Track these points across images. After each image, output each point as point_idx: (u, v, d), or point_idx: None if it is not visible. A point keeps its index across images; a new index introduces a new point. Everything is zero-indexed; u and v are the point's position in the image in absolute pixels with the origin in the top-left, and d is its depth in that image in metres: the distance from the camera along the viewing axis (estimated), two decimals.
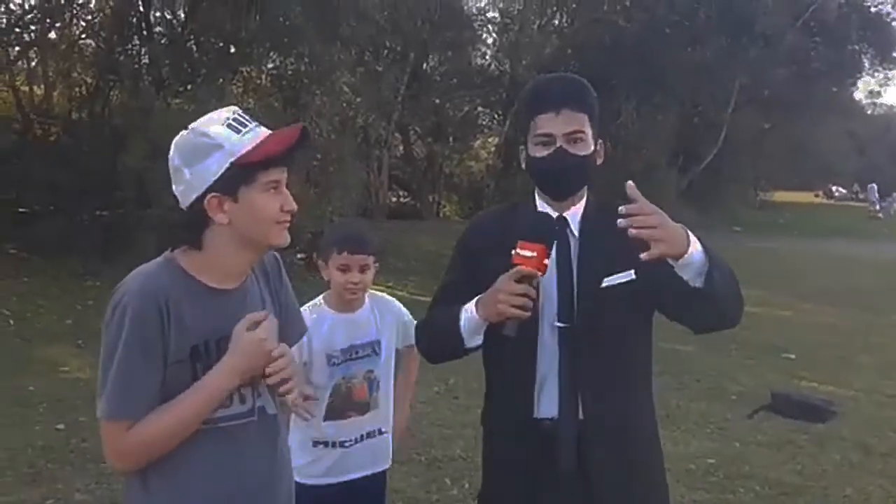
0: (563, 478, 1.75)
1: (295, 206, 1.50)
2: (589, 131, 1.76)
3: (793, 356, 6.96)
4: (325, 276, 2.25)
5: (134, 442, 1.41)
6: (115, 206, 9.25)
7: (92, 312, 6.58)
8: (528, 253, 1.59)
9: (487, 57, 22.09)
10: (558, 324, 1.74)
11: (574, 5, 21.15)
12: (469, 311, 1.70)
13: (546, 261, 1.62)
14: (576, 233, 1.79)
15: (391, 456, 2.39)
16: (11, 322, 6.75)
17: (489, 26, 21.67)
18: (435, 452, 4.23)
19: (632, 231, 1.49)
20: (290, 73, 10.90)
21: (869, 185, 32.20)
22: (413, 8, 13.53)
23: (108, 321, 1.43)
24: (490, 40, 21.99)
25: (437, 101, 20.02)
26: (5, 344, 6.12)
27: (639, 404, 1.84)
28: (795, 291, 10.93)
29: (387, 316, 2.32)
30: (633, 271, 1.73)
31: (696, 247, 1.56)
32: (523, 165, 1.84)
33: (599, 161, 1.81)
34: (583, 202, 1.83)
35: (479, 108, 22.47)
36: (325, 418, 2.21)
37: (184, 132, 1.47)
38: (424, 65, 19.53)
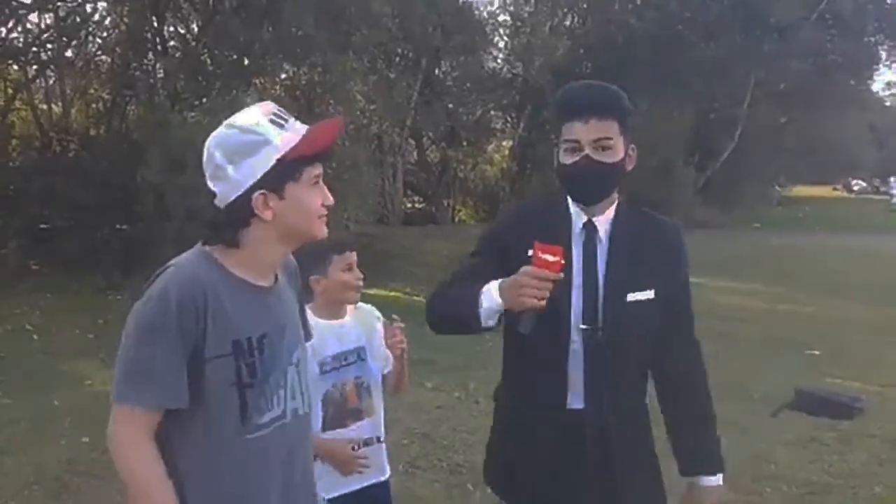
0: (588, 464, 1.84)
1: (332, 200, 1.49)
2: (618, 138, 1.79)
3: (817, 352, 6.88)
4: (319, 287, 2.23)
5: (123, 455, 1.41)
6: (135, 220, 9.36)
7: (114, 326, 6.62)
8: (549, 257, 1.62)
9: (499, 60, 22.10)
10: (582, 326, 1.81)
11: (585, 6, 21.12)
12: (490, 294, 1.68)
13: (563, 261, 1.64)
14: (603, 239, 1.84)
15: (386, 466, 2.37)
16: (35, 337, 6.83)
17: (500, 30, 21.68)
18: (457, 458, 4.22)
19: None
20: (303, 82, 10.98)
21: (891, 179, 31.79)
22: (424, 14, 13.56)
23: (140, 306, 1.40)
24: (502, 44, 22.00)
25: (450, 105, 20.05)
26: (30, 359, 6.20)
27: (639, 398, 1.94)
28: (818, 287, 10.80)
29: (372, 325, 2.32)
30: (653, 291, 1.83)
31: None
32: (556, 169, 1.89)
33: (630, 167, 1.85)
34: (613, 207, 1.87)
35: (493, 112, 22.46)
36: (325, 429, 2.21)
37: (223, 128, 1.45)
38: (437, 70, 19.56)
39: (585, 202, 1.85)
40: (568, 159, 1.80)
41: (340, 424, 2.23)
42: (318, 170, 1.46)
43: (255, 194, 1.41)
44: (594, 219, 1.84)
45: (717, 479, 1.90)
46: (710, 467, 1.90)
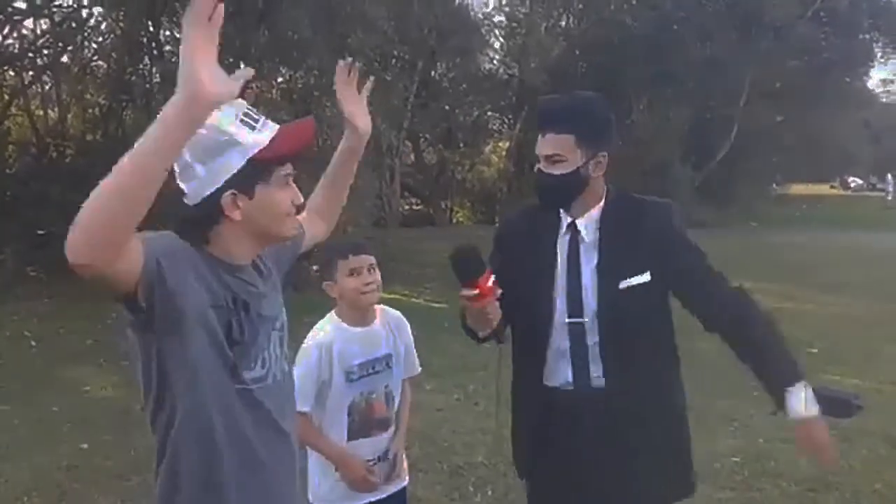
0: (588, 441, 1.95)
1: (302, 199, 1.49)
2: (573, 152, 1.91)
3: (815, 350, 6.87)
4: (334, 293, 2.21)
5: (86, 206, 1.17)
6: None
7: (112, 332, 6.63)
8: (469, 292, 1.77)
9: (495, 61, 22.15)
10: (568, 320, 1.95)
11: (580, 6, 21.15)
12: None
13: (489, 283, 1.77)
14: (586, 238, 1.98)
15: (406, 471, 2.36)
16: (33, 343, 6.82)
17: (496, 31, 21.72)
18: (457, 460, 4.22)
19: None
20: (300, 86, 10.99)
21: (888, 176, 31.86)
22: (420, 16, 13.58)
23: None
24: (497, 45, 22.05)
25: (447, 107, 20.08)
26: (28, 365, 6.19)
27: (665, 382, 2.03)
28: (816, 284, 10.81)
29: (401, 333, 2.32)
30: (648, 273, 1.93)
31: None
32: None
33: (598, 174, 1.96)
34: (599, 206, 1.99)
35: (489, 113, 22.51)
36: (350, 438, 2.18)
37: None
38: (433, 72, 19.58)
39: (549, 209, 2.01)
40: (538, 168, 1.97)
41: (365, 434, 2.20)
42: (288, 169, 1.46)
43: (225, 195, 1.41)
44: (577, 220, 1.99)
45: (811, 410, 1.92)
46: (793, 377, 1.92)
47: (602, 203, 1.99)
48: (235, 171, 1.41)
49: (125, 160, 1.14)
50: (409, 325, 2.38)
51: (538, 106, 2.00)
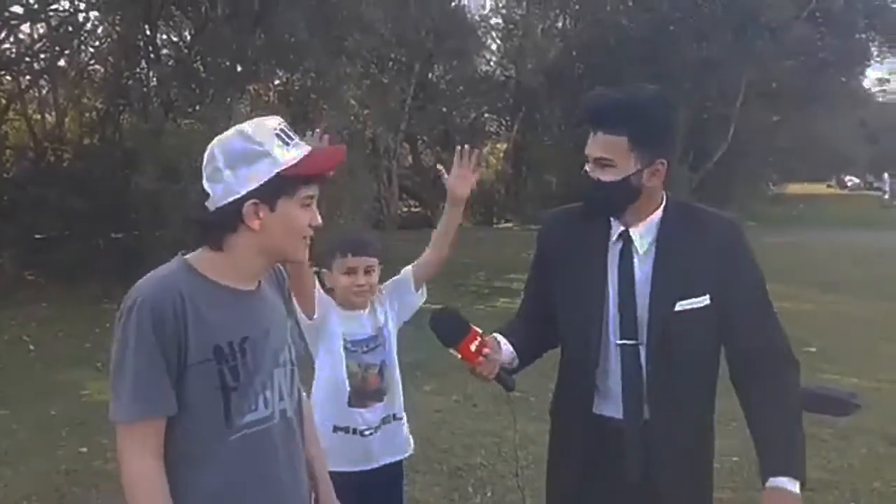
0: (627, 477, 1.78)
1: (321, 223, 1.52)
2: (625, 157, 1.68)
3: (814, 349, 6.88)
4: (329, 282, 2.25)
5: (130, 472, 1.41)
6: (130, 229, 9.35)
7: (110, 335, 6.59)
8: (456, 355, 1.75)
9: (492, 63, 22.17)
10: (619, 341, 1.76)
11: (577, 8, 21.18)
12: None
13: (472, 346, 1.73)
14: (640, 250, 1.76)
15: (411, 444, 2.38)
16: (32, 348, 6.81)
17: (493, 33, 21.76)
18: (456, 461, 4.22)
19: None
20: (297, 88, 11.00)
21: (885, 175, 31.91)
22: (417, 19, 13.59)
23: (121, 323, 1.43)
24: (494, 46, 22.08)
25: (444, 109, 20.09)
26: (27, 369, 6.18)
27: (700, 411, 1.85)
28: (814, 283, 10.82)
29: (390, 301, 2.33)
30: (707, 296, 1.72)
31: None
32: None
33: (653, 182, 1.72)
34: (657, 214, 1.77)
35: (486, 115, 22.52)
36: (349, 405, 2.23)
37: (228, 134, 1.47)
38: (430, 74, 19.60)
39: (594, 217, 1.79)
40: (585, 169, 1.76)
41: (362, 405, 2.24)
42: (312, 191, 1.49)
43: (248, 203, 1.44)
44: (630, 229, 1.76)
45: (796, 486, 1.68)
46: (796, 471, 1.71)
47: (660, 211, 1.77)
48: (263, 181, 1.44)
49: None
50: (392, 281, 2.37)
51: (588, 101, 1.76)
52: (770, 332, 1.77)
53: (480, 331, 1.78)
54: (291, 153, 1.46)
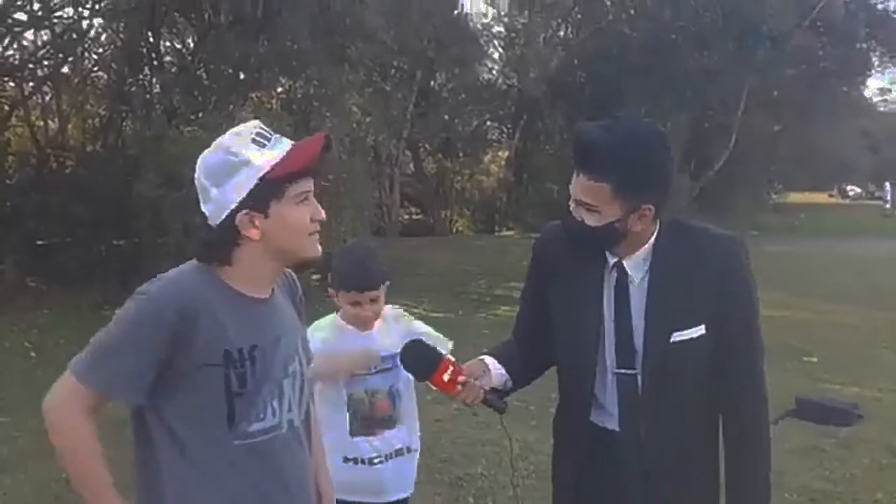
0: (630, 486, 1.78)
1: (324, 215, 1.50)
2: (609, 203, 1.61)
3: (815, 359, 6.87)
4: (338, 303, 2.24)
5: (66, 428, 1.45)
6: (132, 235, 9.35)
7: None
8: (433, 387, 1.76)
9: (494, 72, 22.22)
10: (617, 370, 1.75)
11: (579, 16, 21.23)
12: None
13: (445, 377, 1.73)
14: (636, 279, 1.72)
15: (413, 482, 2.35)
16: (33, 354, 6.81)
17: (495, 41, 21.81)
18: (457, 471, 4.20)
19: None
20: (299, 96, 11.00)
21: (886, 184, 31.87)
22: (419, 27, 13.64)
23: (124, 305, 1.43)
24: (496, 55, 22.13)
25: (446, 117, 20.14)
26: (28, 376, 6.17)
27: (697, 442, 1.80)
28: (815, 293, 10.81)
29: (400, 329, 2.30)
30: (703, 326, 1.68)
31: None
32: None
33: (639, 226, 1.67)
34: (649, 244, 1.71)
35: (488, 123, 22.57)
36: (353, 434, 2.18)
37: (208, 150, 1.47)
38: (432, 82, 19.67)
39: (578, 256, 1.75)
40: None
41: (369, 433, 2.20)
42: (303, 186, 1.47)
43: (240, 214, 1.43)
44: (623, 260, 1.72)
45: None
46: None
47: (652, 240, 1.71)
48: (248, 190, 1.43)
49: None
50: (408, 316, 2.37)
51: (575, 138, 1.67)
52: (754, 372, 1.75)
53: (452, 359, 1.77)
54: (269, 155, 1.44)
